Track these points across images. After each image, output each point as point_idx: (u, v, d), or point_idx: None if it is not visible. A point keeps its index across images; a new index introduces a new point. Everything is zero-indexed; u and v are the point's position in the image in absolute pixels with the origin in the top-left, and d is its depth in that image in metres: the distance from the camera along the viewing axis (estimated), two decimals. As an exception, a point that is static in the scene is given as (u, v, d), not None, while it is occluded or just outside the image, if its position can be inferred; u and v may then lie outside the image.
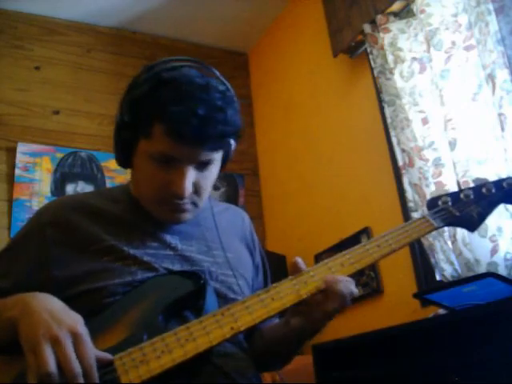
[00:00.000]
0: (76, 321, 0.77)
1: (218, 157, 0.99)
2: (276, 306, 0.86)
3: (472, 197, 1.09)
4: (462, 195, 1.10)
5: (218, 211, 1.12)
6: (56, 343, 0.72)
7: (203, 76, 0.95)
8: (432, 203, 1.10)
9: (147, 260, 0.96)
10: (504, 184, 1.11)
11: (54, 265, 0.96)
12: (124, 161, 1.01)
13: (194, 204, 0.99)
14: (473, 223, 1.09)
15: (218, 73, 1.00)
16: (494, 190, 1.10)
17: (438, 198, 1.10)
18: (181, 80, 0.92)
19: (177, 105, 0.89)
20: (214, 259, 1.05)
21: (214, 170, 1.00)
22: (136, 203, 1.05)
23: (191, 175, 0.94)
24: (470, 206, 1.08)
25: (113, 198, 1.07)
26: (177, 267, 0.99)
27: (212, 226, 1.08)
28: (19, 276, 0.97)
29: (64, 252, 0.96)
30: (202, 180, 0.97)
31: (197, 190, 0.97)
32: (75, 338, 0.74)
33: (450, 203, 1.08)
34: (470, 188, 1.12)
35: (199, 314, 0.85)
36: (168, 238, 1.02)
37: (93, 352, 0.74)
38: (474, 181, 1.16)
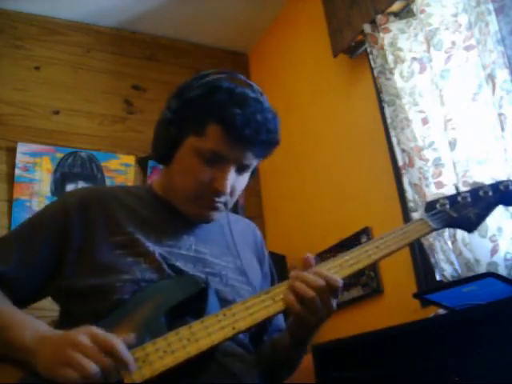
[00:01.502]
0: (83, 326, 0.78)
1: (254, 164, 1.06)
2: (276, 306, 0.87)
3: (469, 199, 1.12)
4: (459, 198, 1.13)
5: (233, 220, 1.16)
6: (80, 346, 0.74)
7: (252, 91, 1.04)
8: (430, 206, 1.13)
9: (158, 259, 0.98)
10: (501, 186, 1.13)
11: (72, 249, 0.98)
12: (164, 156, 1.05)
13: (225, 205, 1.05)
14: (470, 224, 1.12)
15: (260, 89, 1.08)
16: (490, 193, 1.12)
17: (436, 201, 1.13)
18: (236, 89, 1.00)
19: (237, 108, 0.96)
20: (227, 264, 1.08)
21: (246, 177, 1.07)
22: (158, 202, 1.08)
23: (232, 175, 1.01)
24: (468, 208, 1.11)
25: (135, 194, 1.11)
26: (189, 267, 1.01)
27: (227, 233, 1.12)
28: (35, 258, 0.98)
29: (84, 238, 0.99)
30: (237, 183, 1.04)
31: (231, 191, 1.03)
32: (91, 335, 0.75)
33: (447, 206, 1.11)
34: (467, 191, 1.14)
35: (201, 317, 0.86)
36: (184, 237, 1.06)
37: (112, 337, 0.76)
38: (471, 184, 1.18)
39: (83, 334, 0.76)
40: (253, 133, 0.97)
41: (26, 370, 0.79)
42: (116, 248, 0.98)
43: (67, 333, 0.78)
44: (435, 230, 1.08)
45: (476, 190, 1.13)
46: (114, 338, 0.76)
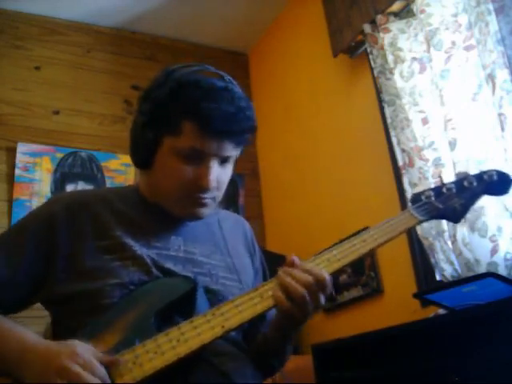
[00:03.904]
0: (71, 345, 0.78)
1: (235, 154, 1.04)
2: (265, 303, 0.87)
3: (454, 190, 1.12)
4: (444, 189, 1.12)
5: (222, 217, 1.15)
6: (65, 372, 0.74)
7: (220, 80, 1.02)
8: (415, 198, 1.13)
9: (147, 262, 0.97)
10: (485, 176, 1.13)
11: (60, 256, 0.97)
12: (144, 160, 1.03)
13: (214, 200, 1.03)
14: (456, 215, 1.11)
15: (231, 78, 1.05)
16: (475, 183, 1.12)
17: (421, 193, 1.13)
18: (203, 81, 0.98)
19: (209, 102, 0.95)
20: (217, 262, 1.06)
21: (230, 168, 1.05)
22: (144, 203, 1.07)
23: (216, 169, 0.99)
24: (453, 199, 1.11)
25: (122, 196, 1.09)
26: (178, 268, 1.00)
27: (217, 230, 1.11)
28: (21, 264, 0.97)
29: (71, 244, 0.97)
30: (222, 176, 1.02)
31: (217, 185, 1.02)
32: (75, 357, 0.75)
33: (433, 197, 1.11)
34: (451, 182, 1.14)
35: (190, 317, 0.86)
36: (173, 238, 1.04)
37: (98, 365, 0.76)
38: (456, 175, 1.18)
39: (67, 359, 0.75)
40: (229, 124, 0.96)
41: (14, 380, 0.79)
42: (104, 253, 0.97)
43: (52, 354, 0.77)
44: (422, 221, 1.08)
45: (461, 181, 1.13)
46: (93, 359, 0.76)
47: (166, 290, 0.94)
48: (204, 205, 1.02)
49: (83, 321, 0.89)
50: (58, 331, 0.98)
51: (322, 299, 0.90)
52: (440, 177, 1.20)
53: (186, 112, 0.96)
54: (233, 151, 1.01)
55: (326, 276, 0.89)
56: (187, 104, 0.96)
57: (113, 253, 0.97)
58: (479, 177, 1.14)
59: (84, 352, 0.76)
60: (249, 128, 1.01)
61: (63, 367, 0.74)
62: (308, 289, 0.87)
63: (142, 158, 1.03)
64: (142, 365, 0.77)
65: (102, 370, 0.75)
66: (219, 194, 1.04)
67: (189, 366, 0.83)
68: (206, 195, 1.00)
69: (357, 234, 1.01)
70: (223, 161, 1.01)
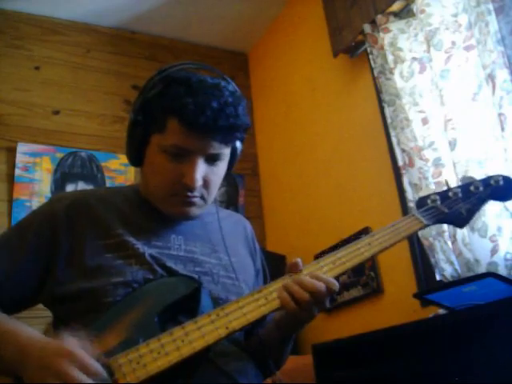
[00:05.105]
0: (64, 343, 0.77)
1: (226, 152, 1.03)
2: (270, 305, 0.87)
3: (460, 195, 1.12)
4: (450, 193, 1.12)
5: (223, 216, 1.14)
6: (62, 375, 0.73)
7: (213, 77, 1.01)
8: (421, 202, 1.12)
9: (149, 260, 0.97)
10: (491, 181, 1.14)
11: (61, 255, 0.97)
12: (136, 158, 1.04)
13: (203, 199, 1.02)
14: (462, 220, 1.11)
15: (226, 76, 1.05)
16: (481, 188, 1.13)
17: (427, 197, 1.13)
18: (193, 78, 0.98)
19: (191, 98, 0.94)
20: (218, 261, 1.06)
21: (221, 167, 1.04)
22: (144, 203, 1.07)
23: (201, 167, 0.98)
24: (459, 204, 1.11)
25: (123, 195, 1.09)
26: (179, 267, 1.00)
27: (217, 229, 1.10)
28: (23, 264, 0.97)
29: (72, 243, 0.98)
30: (211, 175, 1.01)
31: (206, 184, 1.00)
32: (72, 358, 0.74)
33: (438, 202, 1.11)
34: (458, 186, 1.14)
35: (194, 317, 0.86)
36: (173, 237, 1.04)
37: (94, 361, 0.75)
38: (461, 179, 1.18)
39: (64, 360, 0.74)
40: (209, 120, 0.93)
41: (15, 378, 0.79)
42: (106, 251, 0.97)
43: (49, 355, 0.76)
44: (427, 226, 1.07)
45: (467, 186, 1.13)
46: (91, 360, 0.75)
47: (169, 289, 0.94)
48: (192, 204, 1.01)
49: (86, 319, 0.89)
50: (59, 331, 0.98)
51: (327, 303, 0.91)
52: (446, 181, 1.19)
53: (170, 109, 0.96)
54: (220, 149, 1.00)
55: (337, 285, 0.90)
56: (171, 101, 0.96)
57: (115, 251, 0.97)
58: (486, 182, 1.14)
59: (81, 352, 0.76)
60: (235, 125, 0.98)
61: (60, 369, 0.73)
62: (315, 294, 0.87)
63: (134, 155, 1.04)
64: (146, 365, 0.77)
65: (99, 370, 0.75)
66: (209, 193, 1.03)
67: (192, 366, 0.83)
68: (192, 194, 0.99)
69: (357, 235, 1.01)
70: (212, 159, 1.00)
